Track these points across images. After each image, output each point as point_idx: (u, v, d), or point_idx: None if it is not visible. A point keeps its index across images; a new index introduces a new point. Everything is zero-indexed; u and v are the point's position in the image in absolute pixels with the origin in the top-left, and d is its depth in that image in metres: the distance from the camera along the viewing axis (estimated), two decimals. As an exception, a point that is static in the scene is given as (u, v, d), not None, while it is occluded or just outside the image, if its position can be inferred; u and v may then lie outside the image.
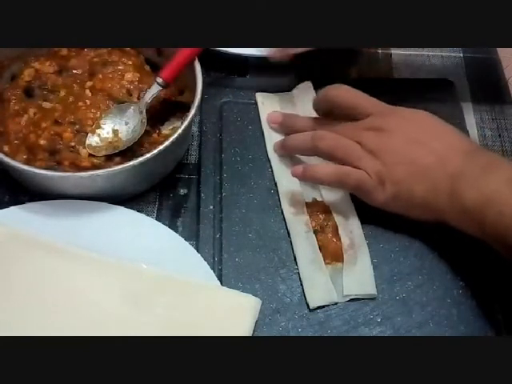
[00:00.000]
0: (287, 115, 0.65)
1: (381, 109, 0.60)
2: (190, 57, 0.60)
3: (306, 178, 0.60)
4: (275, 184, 0.62)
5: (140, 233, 0.57)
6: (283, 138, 0.64)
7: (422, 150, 0.56)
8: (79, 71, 0.64)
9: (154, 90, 0.60)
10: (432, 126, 0.58)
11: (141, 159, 0.55)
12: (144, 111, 0.60)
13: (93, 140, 0.60)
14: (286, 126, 0.64)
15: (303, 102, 0.67)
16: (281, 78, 0.73)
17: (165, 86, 0.60)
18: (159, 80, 0.60)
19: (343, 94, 0.60)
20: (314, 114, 0.64)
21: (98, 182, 0.56)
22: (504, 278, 0.57)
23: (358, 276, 0.56)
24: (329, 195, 0.61)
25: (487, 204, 0.51)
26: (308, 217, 0.59)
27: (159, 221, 0.58)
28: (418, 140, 0.57)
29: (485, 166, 0.53)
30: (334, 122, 0.61)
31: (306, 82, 0.69)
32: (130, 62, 0.64)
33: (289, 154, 0.63)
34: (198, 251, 0.56)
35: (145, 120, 0.60)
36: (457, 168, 0.54)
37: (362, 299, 0.56)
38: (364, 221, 0.59)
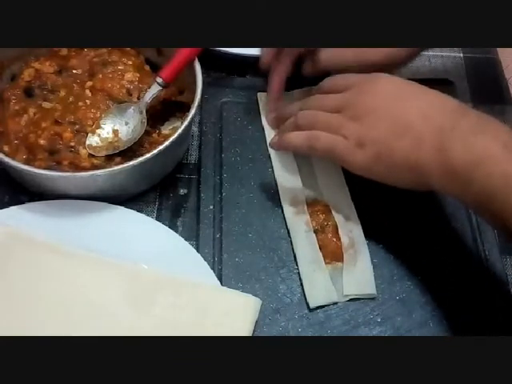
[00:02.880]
0: (277, 109, 0.65)
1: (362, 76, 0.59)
2: (189, 57, 0.60)
3: (281, 147, 0.60)
4: (275, 184, 0.62)
5: (140, 233, 0.57)
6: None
7: (404, 106, 0.53)
8: (79, 71, 0.64)
9: (153, 90, 0.60)
10: (414, 86, 0.55)
11: (141, 159, 0.55)
12: (144, 111, 0.60)
13: (93, 140, 0.60)
14: (278, 119, 0.64)
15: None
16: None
17: (165, 85, 0.60)
18: (159, 80, 0.60)
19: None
20: None
21: (98, 182, 0.56)
22: (504, 277, 0.57)
23: (358, 276, 0.56)
24: (329, 195, 0.61)
25: (476, 163, 0.47)
26: (308, 216, 0.59)
27: (159, 221, 0.58)
28: (399, 97, 0.54)
29: (475, 124, 0.49)
30: (316, 99, 0.60)
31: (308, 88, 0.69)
32: (130, 62, 0.64)
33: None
34: (198, 251, 0.56)
35: (145, 120, 0.60)
36: (445, 121, 0.50)
37: (362, 299, 0.56)
38: (364, 221, 0.59)
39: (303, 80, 0.71)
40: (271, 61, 0.64)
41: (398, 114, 0.53)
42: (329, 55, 0.62)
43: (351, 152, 0.54)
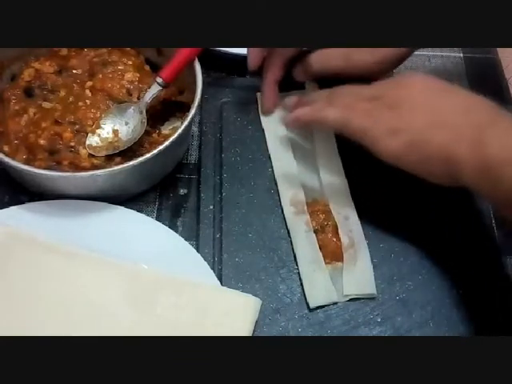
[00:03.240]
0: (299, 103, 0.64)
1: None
2: (189, 57, 0.60)
3: (312, 120, 0.59)
4: (275, 184, 0.62)
5: (140, 233, 0.57)
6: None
7: (442, 100, 0.53)
8: (79, 71, 0.64)
9: (153, 90, 0.60)
10: (450, 84, 0.55)
11: (141, 159, 0.55)
12: (144, 111, 0.60)
13: (93, 140, 0.60)
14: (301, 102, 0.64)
15: None
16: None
17: (164, 85, 0.60)
18: (159, 80, 0.60)
19: None
20: None
21: (98, 182, 0.56)
22: (504, 277, 0.57)
23: (358, 276, 0.56)
24: (329, 195, 0.61)
25: (510, 161, 0.47)
26: (308, 216, 0.59)
27: (159, 221, 0.58)
28: (437, 91, 0.54)
29: None
30: (350, 87, 0.59)
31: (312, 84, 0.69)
32: (130, 62, 0.64)
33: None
34: (198, 251, 0.56)
35: (145, 120, 0.60)
36: (484, 118, 0.50)
37: (362, 299, 0.56)
38: (364, 221, 0.59)
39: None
40: (259, 64, 0.64)
41: (436, 106, 0.53)
42: (318, 58, 0.63)
43: (384, 138, 0.53)
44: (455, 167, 0.50)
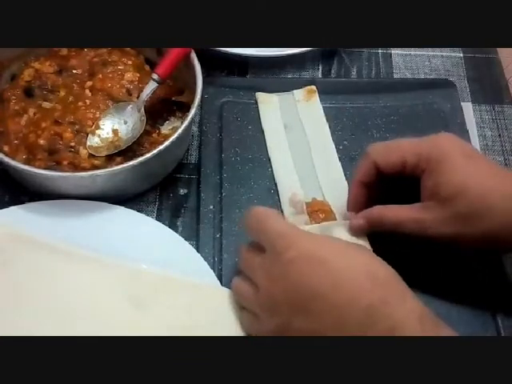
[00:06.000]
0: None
1: None
2: (184, 51, 0.60)
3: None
4: (275, 184, 0.62)
5: (140, 233, 0.57)
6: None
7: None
8: (79, 71, 0.64)
9: (150, 87, 0.60)
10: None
11: (141, 159, 0.55)
12: (142, 109, 0.60)
13: (93, 141, 0.60)
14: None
15: (308, 108, 0.67)
16: (281, 77, 0.73)
17: (160, 82, 0.60)
18: (155, 76, 0.60)
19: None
20: (317, 121, 0.66)
21: (98, 182, 0.56)
22: (504, 277, 0.57)
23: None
24: (329, 195, 0.61)
25: None
26: (308, 216, 0.59)
27: (159, 221, 0.58)
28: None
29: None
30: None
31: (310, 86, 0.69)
32: (130, 62, 0.64)
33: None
34: (198, 251, 0.56)
35: (144, 118, 0.60)
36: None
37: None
38: (364, 221, 0.59)
39: (304, 80, 0.71)
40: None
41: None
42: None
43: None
44: None
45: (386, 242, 0.59)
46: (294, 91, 0.69)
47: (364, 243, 0.57)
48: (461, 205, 0.49)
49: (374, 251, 0.58)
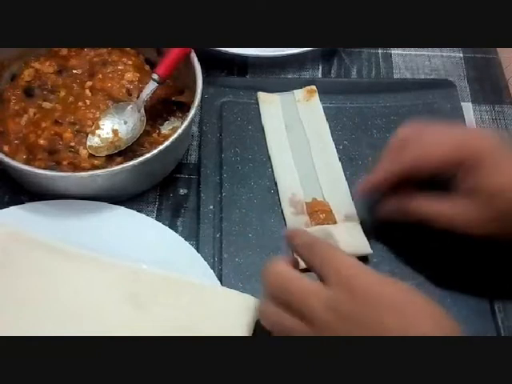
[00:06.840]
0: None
1: None
2: (184, 51, 0.60)
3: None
4: (275, 184, 0.62)
5: (140, 233, 0.57)
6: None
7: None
8: (79, 71, 0.64)
9: (150, 87, 0.60)
10: None
11: (141, 159, 0.55)
12: (142, 109, 0.60)
13: (94, 141, 0.60)
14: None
15: (308, 108, 0.67)
16: (281, 77, 0.73)
17: (160, 82, 0.60)
18: (155, 76, 0.60)
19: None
20: (317, 121, 0.66)
21: (98, 182, 0.56)
22: (504, 278, 0.57)
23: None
24: (329, 195, 0.61)
25: None
26: (308, 216, 0.59)
27: (159, 221, 0.58)
28: None
29: None
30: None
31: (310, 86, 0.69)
32: (130, 62, 0.64)
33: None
34: (198, 251, 0.56)
35: (144, 118, 0.60)
36: None
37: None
38: (364, 220, 0.59)
39: (304, 80, 0.71)
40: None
41: None
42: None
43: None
44: None
45: (385, 246, 0.59)
46: (294, 91, 0.69)
47: (364, 243, 0.57)
48: (503, 204, 0.50)
49: (372, 251, 0.58)
